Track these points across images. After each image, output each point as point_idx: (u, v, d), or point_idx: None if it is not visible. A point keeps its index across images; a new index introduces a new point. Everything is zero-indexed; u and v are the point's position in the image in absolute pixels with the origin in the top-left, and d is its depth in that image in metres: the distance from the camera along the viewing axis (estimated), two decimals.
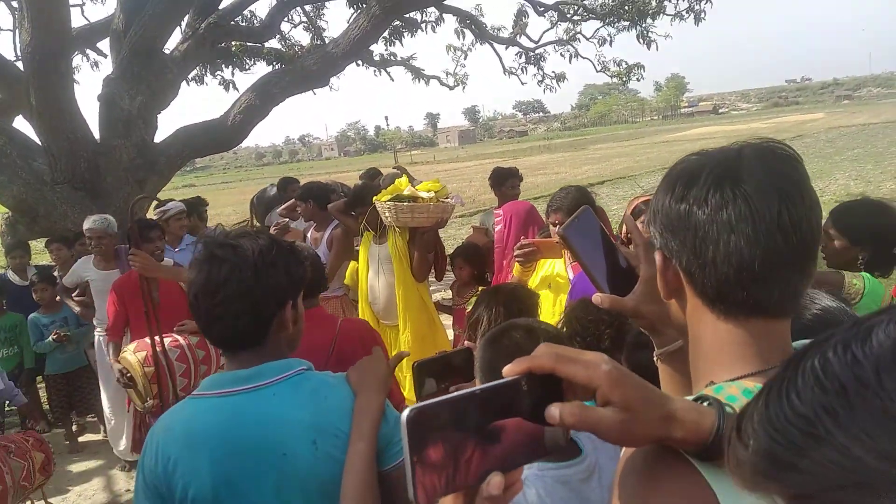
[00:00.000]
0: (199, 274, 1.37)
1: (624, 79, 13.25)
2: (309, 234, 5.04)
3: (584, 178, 23.53)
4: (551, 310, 3.13)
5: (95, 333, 4.87)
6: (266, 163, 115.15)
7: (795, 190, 0.78)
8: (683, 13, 11.18)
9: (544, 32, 12.50)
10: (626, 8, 11.41)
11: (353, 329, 2.51)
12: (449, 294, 4.84)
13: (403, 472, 0.58)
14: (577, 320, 1.98)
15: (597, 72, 13.17)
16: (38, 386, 5.64)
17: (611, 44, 12.31)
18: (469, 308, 2.22)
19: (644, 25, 11.32)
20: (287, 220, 5.45)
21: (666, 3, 11.24)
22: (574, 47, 12.54)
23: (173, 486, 1.34)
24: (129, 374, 3.53)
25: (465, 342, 1.96)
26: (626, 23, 11.56)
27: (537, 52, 12.67)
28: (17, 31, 10.32)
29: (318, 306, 2.52)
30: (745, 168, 0.79)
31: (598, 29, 12.23)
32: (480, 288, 4.32)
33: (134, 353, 3.54)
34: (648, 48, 11.42)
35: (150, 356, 3.43)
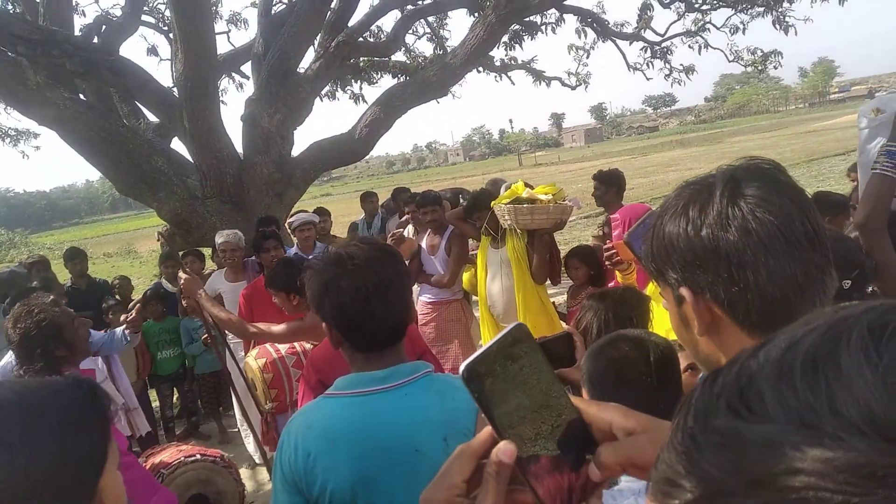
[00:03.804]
0: (363, 276, 1.44)
1: (759, 67, 12.43)
2: (425, 241, 5.20)
3: None
4: (663, 322, 3.04)
5: (228, 340, 5.26)
6: (396, 170, 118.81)
7: (804, 198, 0.79)
8: None
9: (671, 25, 12.02)
10: None
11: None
12: (563, 299, 4.79)
13: None
14: None
15: (729, 62, 12.45)
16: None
17: (744, 32, 11.58)
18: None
19: (780, 10, 10.55)
20: (402, 230, 5.66)
21: None
22: (703, 38, 11.94)
23: (312, 481, 1.42)
24: (251, 378, 3.84)
25: (566, 327, 1.90)
26: (761, 8, 10.84)
27: (663, 45, 12.20)
28: (173, 60, 11.55)
29: None
30: (753, 183, 0.78)
31: (729, 17, 11.55)
32: (592, 290, 4.27)
33: (255, 360, 3.83)
34: (786, 34, 10.64)
35: (270, 363, 3.69)
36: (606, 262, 3.19)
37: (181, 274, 3.39)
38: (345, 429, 1.42)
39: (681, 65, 12.51)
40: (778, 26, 10.70)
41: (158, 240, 7.57)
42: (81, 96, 7.05)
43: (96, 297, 5.81)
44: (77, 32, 8.03)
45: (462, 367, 0.62)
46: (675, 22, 11.94)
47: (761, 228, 0.75)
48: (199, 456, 2.31)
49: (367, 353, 1.50)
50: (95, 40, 8.78)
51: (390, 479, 1.40)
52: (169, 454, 2.52)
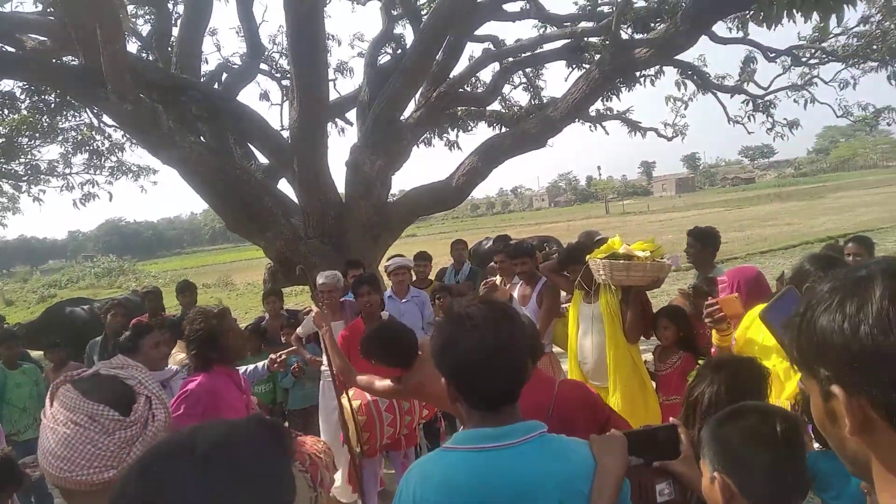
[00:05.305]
0: (481, 335, 1.50)
1: (870, 123, 11.89)
2: (516, 291, 5.23)
3: (821, 230, 21.20)
4: (781, 383, 2.91)
5: (321, 378, 5.37)
6: (480, 214, 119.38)
7: None
8: None
9: (775, 78, 11.71)
10: (875, 48, 10.31)
11: (572, 392, 2.53)
12: (649, 358, 4.68)
13: None
14: None
15: (837, 117, 11.98)
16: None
17: (854, 87, 11.17)
18: (690, 379, 2.06)
19: None
20: (495, 279, 5.70)
21: None
22: (810, 92, 11.59)
23: None
24: (345, 419, 3.95)
25: (672, 419, 1.87)
26: (875, 63, 10.43)
27: (766, 98, 11.91)
28: (283, 105, 12.27)
29: (535, 367, 2.66)
30: None
31: (839, 72, 11.17)
32: (683, 353, 4.17)
33: (350, 401, 3.93)
34: None
35: (364, 405, 3.78)
36: (706, 320, 3.12)
37: (313, 308, 3.59)
38: (464, 480, 1.46)
39: (784, 119, 12.16)
40: (894, 81, 10.23)
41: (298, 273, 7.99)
42: (202, 138, 7.61)
43: None
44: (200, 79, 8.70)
45: None
46: (779, 75, 11.65)
47: None
48: None
49: (484, 411, 1.54)
50: (216, 87, 9.51)
51: None
52: None
